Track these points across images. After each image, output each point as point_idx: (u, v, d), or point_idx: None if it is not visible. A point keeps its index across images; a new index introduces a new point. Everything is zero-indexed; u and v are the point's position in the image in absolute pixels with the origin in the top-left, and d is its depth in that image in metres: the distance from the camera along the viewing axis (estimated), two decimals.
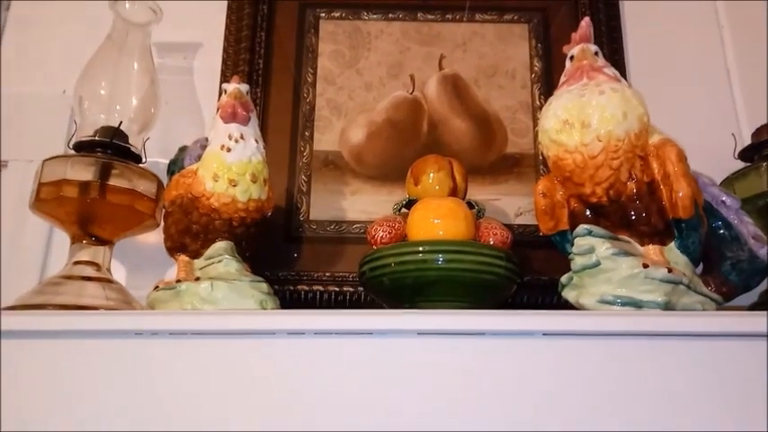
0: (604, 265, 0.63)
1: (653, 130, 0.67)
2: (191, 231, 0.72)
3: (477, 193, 0.91)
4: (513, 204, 0.92)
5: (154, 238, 0.91)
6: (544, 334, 0.58)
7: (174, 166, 0.84)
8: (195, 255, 0.73)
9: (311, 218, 0.91)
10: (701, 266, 0.72)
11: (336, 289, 0.87)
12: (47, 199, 0.76)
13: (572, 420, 0.56)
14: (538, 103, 0.96)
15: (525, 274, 0.82)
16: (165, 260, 0.80)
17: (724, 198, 0.73)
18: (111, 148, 0.79)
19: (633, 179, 0.65)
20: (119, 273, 0.92)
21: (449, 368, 0.57)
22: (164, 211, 0.76)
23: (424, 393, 0.57)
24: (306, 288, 0.87)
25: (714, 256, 0.72)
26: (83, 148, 0.79)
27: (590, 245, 0.64)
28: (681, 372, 0.56)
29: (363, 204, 0.92)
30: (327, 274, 0.88)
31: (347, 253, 0.90)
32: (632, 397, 0.56)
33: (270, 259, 0.87)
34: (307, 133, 0.95)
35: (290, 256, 0.90)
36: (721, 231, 0.72)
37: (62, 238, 0.87)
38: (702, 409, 0.55)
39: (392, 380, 0.57)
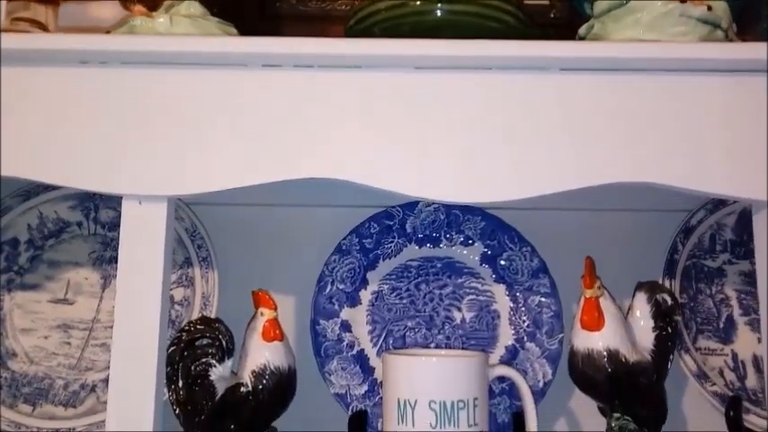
0: (633, 4, 0.54)
1: None
2: None
3: None
4: None
5: (108, 13, 0.80)
6: (562, 69, 0.50)
7: None
8: (153, 6, 0.62)
9: None
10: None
11: None
12: None
13: (589, 164, 0.49)
14: None
15: None
16: None
17: None
18: None
19: None
20: None
21: (451, 110, 0.50)
22: None
23: (421, 138, 0.50)
24: None
25: (750, 15, 0.63)
26: None
27: None
28: (708, 109, 0.50)
29: None
30: None
31: (333, 35, 0.79)
32: (657, 138, 0.49)
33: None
34: None
35: (266, 36, 0.79)
36: None
37: None
38: (724, 146, 0.49)
39: (384, 124, 0.50)
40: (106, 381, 0.59)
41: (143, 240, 0.50)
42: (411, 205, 0.72)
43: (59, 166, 0.49)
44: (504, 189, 0.49)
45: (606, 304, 0.61)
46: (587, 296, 0.60)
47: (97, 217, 0.72)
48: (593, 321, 0.60)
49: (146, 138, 0.49)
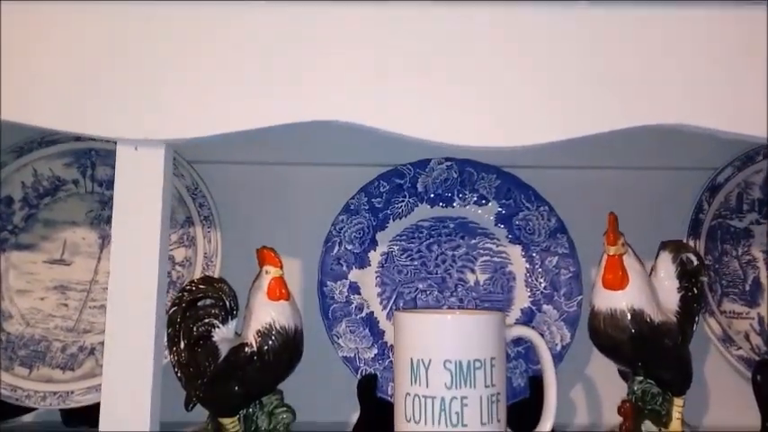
0: None
1: None
2: None
3: None
4: None
5: None
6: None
7: None
8: None
9: None
10: None
11: None
12: None
13: (618, 106, 0.46)
14: None
15: None
16: None
17: None
18: None
19: None
20: None
21: (473, 46, 0.46)
22: None
23: (441, 78, 0.46)
24: None
25: None
26: None
27: None
28: (744, 45, 0.46)
29: None
30: None
31: None
32: (687, 77, 0.46)
33: None
34: None
35: None
36: None
37: None
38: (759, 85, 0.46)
39: (401, 62, 0.46)
40: None
41: (140, 189, 0.47)
42: (422, 163, 0.68)
43: (50, 109, 0.46)
44: (525, 133, 0.45)
45: (630, 262, 0.57)
46: (610, 253, 0.57)
47: (94, 175, 0.69)
48: (617, 280, 0.56)
49: (141, 79, 0.46)
